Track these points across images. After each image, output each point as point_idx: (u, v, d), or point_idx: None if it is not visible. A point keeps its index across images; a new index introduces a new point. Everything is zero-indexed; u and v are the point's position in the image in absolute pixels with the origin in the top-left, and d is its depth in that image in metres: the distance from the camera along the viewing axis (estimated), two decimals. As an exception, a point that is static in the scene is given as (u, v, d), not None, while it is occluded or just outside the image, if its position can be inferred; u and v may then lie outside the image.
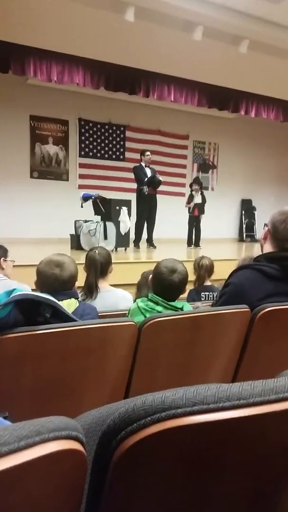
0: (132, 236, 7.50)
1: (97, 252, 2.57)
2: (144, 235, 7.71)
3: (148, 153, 7.58)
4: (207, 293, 3.41)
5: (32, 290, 1.75)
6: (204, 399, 0.51)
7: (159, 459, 0.53)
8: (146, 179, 7.36)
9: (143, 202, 7.46)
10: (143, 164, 7.51)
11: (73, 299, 1.80)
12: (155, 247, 7.68)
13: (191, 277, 2.86)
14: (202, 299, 3.33)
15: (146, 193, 7.32)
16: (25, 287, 2.26)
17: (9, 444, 0.41)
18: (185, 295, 2.86)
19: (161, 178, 7.57)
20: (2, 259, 2.73)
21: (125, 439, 0.50)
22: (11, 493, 0.42)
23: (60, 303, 1.46)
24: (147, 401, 0.51)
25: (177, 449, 0.53)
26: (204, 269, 3.50)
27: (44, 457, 0.43)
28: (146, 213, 7.51)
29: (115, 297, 2.53)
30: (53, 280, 1.79)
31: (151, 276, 1.95)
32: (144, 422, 0.49)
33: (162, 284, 1.85)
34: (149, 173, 7.45)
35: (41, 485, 0.46)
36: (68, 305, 1.73)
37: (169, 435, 0.50)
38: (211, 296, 3.35)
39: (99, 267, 2.52)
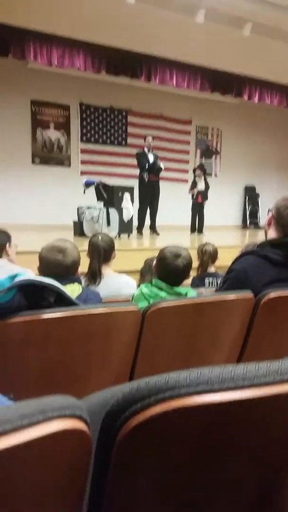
0: (135, 222, 7.47)
1: (100, 238, 2.57)
2: (147, 221, 7.67)
3: (148, 138, 7.49)
4: (211, 278, 3.39)
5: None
6: (208, 379, 0.51)
7: (163, 440, 0.53)
8: (147, 165, 7.29)
9: (145, 189, 7.41)
10: (146, 150, 7.43)
11: (76, 284, 1.80)
12: (158, 233, 7.65)
13: (195, 263, 2.85)
14: (206, 285, 3.32)
15: (146, 179, 7.26)
16: (29, 272, 2.25)
17: (12, 422, 0.40)
18: (189, 281, 2.85)
19: (162, 165, 7.48)
20: (7, 244, 2.71)
21: (129, 419, 0.50)
22: (13, 472, 0.42)
23: (63, 288, 1.45)
24: (151, 382, 0.51)
25: (181, 430, 0.53)
26: (208, 255, 3.46)
27: (48, 436, 0.43)
28: (148, 199, 7.46)
29: (119, 283, 2.53)
30: (56, 265, 1.79)
31: (155, 261, 1.95)
32: (148, 402, 0.49)
33: (167, 269, 1.85)
34: (151, 158, 7.37)
35: (44, 464, 0.46)
36: (72, 291, 1.73)
37: (173, 415, 0.50)
38: (215, 282, 3.33)
39: (102, 253, 2.52)
